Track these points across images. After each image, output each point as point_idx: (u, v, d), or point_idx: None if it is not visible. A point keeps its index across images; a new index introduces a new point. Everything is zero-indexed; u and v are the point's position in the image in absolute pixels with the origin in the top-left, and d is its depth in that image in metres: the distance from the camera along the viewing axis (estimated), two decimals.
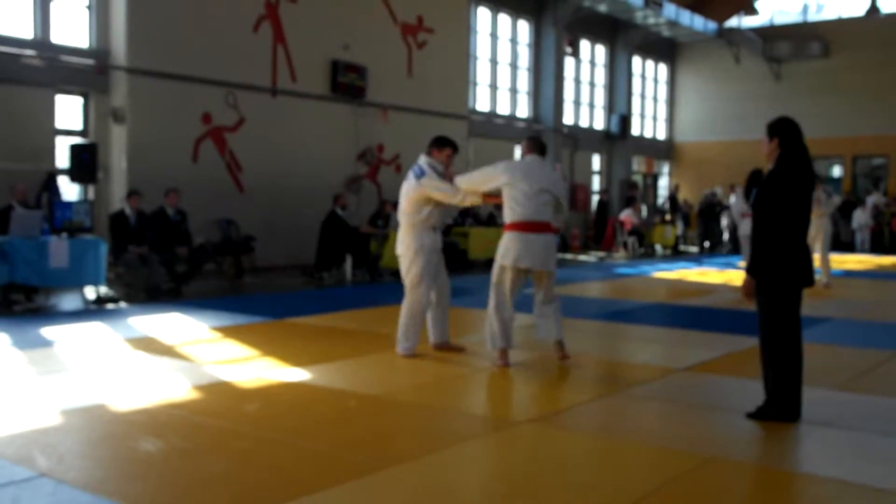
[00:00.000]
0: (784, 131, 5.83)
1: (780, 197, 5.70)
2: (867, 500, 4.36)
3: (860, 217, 26.14)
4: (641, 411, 6.28)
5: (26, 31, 14.08)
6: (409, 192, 7.94)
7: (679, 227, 25.64)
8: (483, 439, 5.33)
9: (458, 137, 21.41)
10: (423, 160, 8.03)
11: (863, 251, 25.26)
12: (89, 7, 14.79)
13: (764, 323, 5.84)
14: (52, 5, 14.33)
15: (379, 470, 4.62)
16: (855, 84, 28.40)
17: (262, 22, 16.69)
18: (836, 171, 29.97)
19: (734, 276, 16.52)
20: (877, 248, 25.45)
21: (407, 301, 7.89)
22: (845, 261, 21.78)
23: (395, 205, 16.17)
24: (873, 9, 27.22)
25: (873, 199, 26.61)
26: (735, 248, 24.81)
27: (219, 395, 6.32)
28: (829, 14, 29.89)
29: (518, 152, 24.75)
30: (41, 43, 14.17)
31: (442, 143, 8.12)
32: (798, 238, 5.77)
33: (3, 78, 13.48)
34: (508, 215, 7.46)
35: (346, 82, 18.20)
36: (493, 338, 7.57)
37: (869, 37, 28.27)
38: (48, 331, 8.98)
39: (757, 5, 29.03)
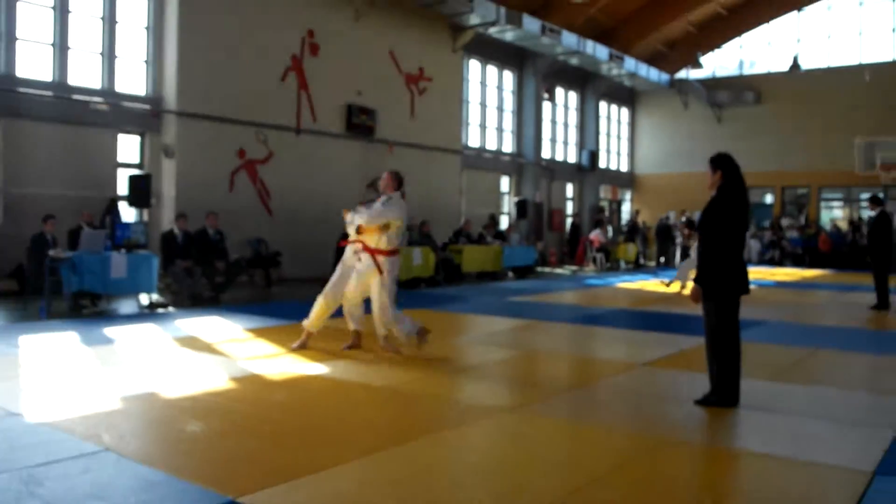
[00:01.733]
0: (725, 165, 5.89)
1: (721, 219, 5.76)
2: (793, 470, 4.38)
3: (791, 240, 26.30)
4: (607, 400, 6.30)
5: (95, 82, 14.14)
6: None
7: (638, 245, 25.68)
8: (471, 424, 5.33)
9: (453, 169, 21.57)
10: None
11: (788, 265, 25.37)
12: (147, 62, 14.84)
13: (709, 325, 5.88)
14: (116, 60, 14.41)
15: (385, 449, 4.63)
16: (782, 127, 28.56)
17: (289, 72, 16.74)
18: (769, 199, 30.07)
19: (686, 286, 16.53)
20: (799, 262, 25.60)
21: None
22: (775, 273, 21.83)
23: None
24: (795, 65, 27.39)
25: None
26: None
27: (252, 385, 6.33)
28: (760, 69, 30.05)
29: (505, 182, 24.83)
30: (107, 91, 14.22)
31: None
32: (736, 253, 5.82)
33: (77, 121, 13.55)
34: (392, 243, 7.80)
35: (359, 122, 18.24)
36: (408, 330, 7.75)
37: (792, 88, 28.43)
38: (110, 330, 8.98)
39: (702, 60, 29.10)
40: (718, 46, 30.47)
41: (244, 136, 15.83)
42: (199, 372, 6.76)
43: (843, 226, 27.06)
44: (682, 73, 30.34)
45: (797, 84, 28.22)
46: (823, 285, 18.03)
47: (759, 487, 4.19)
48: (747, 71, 30.34)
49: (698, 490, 4.19)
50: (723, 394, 5.80)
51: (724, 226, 5.75)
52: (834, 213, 29.72)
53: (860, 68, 27.04)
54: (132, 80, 14.73)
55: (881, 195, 13.32)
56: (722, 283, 5.78)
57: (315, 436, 4.90)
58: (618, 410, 5.98)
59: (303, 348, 7.99)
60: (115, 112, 14.15)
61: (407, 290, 14.73)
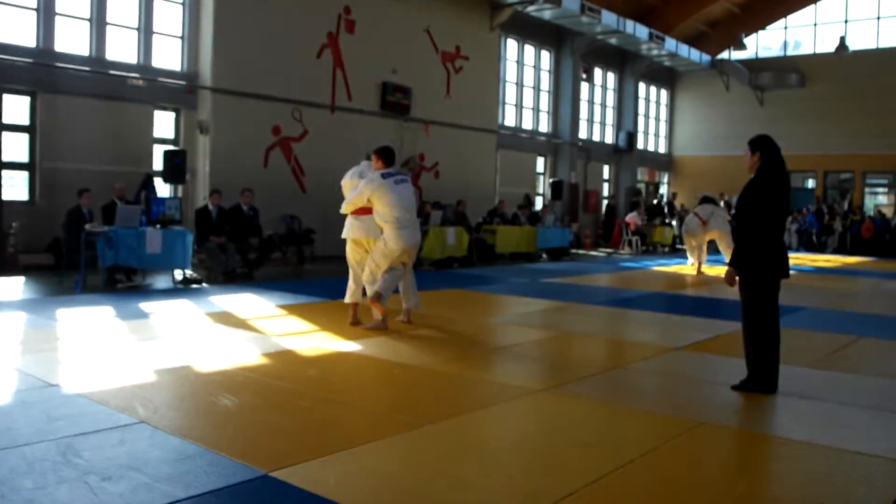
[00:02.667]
0: (764, 146, 5.78)
1: (760, 201, 5.67)
2: (831, 458, 4.32)
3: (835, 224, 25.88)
4: (641, 383, 6.26)
5: (131, 57, 14.27)
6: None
7: (675, 229, 25.45)
8: (505, 404, 5.33)
9: (488, 149, 21.50)
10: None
11: (832, 252, 24.97)
12: (182, 38, 14.94)
13: (746, 310, 5.81)
14: (153, 36, 14.53)
15: (418, 427, 4.65)
16: (826, 110, 28.04)
17: (325, 49, 16.75)
18: (810, 184, 29.59)
19: (721, 270, 16.36)
20: (842, 250, 25.18)
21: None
22: (816, 260, 21.52)
23: (434, 205, 16.27)
24: (842, 46, 26.86)
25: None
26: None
27: (284, 361, 6.38)
28: (805, 50, 29.49)
29: (540, 163, 24.71)
30: (143, 67, 14.34)
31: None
32: (776, 236, 5.73)
33: (113, 96, 13.70)
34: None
35: (394, 101, 18.22)
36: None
37: (838, 70, 27.89)
38: (144, 305, 9.11)
39: (745, 41, 28.66)
40: (763, 27, 29.95)
41: (279, 112, 15.89)
42: (232, 347, 6.83)
43: (889, 212, 26.55)
44: (724, 54, 29.87)
45: (843, 65, 27.67)
46: (865, 272, 17.72)
47: (795, 474, 4.14)
48: (791, 52, 29.79)
49: (733, 475, 4.15)
50: (761, 380, 5.73)
51: (763, 209, 5.65)
52: (878, 199, 29.17)
53: None
54: (168, 56, 14.84)
55: None
56: (760, 267, 5.69)
57: (347, 412, 4.94)
58: (652, 393, 5.94)
59: (356, 324, 8.14)
60: (150, 88, 14.27)
61: (440, 270, 14.74)
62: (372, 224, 7.97)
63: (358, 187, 7.88)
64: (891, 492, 3.83)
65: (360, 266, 8.22)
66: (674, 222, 25.36)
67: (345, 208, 8.08)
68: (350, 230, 8.19)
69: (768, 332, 5.72)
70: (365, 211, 7.99)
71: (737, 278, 5.81)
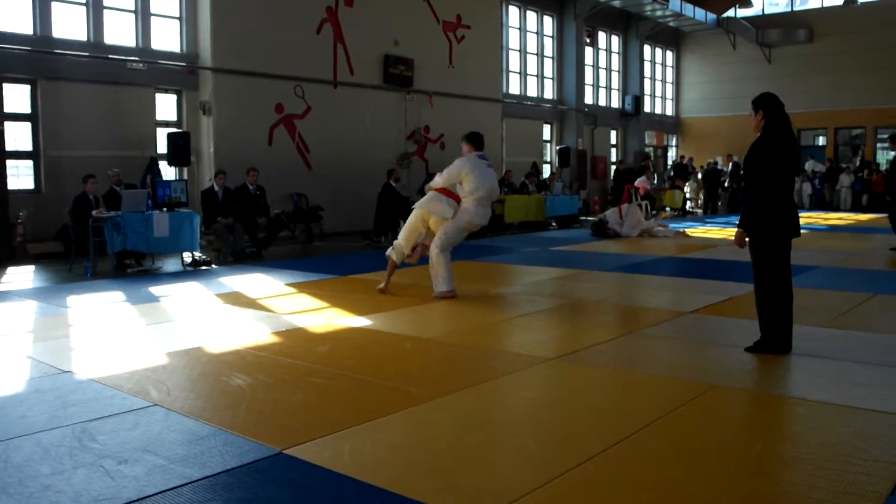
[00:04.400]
0: (767, 104, 5.73)
1: (766, 160, 5.62)
2: (847, 417, 4.32)
3: (844, 180, 25.71)
4: (654, 348, 6.26)
5: (130, 41, 14.22)
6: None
7: (688, 191, 25.39)
8: (518, 374, 5.34)
9: (493, 118, 21.39)
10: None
11: (844, 209, 24.84)
12: (180, 19, 14.86)
13: (757, 270, 5.78)
14: (151, 19, 14.47)
15: (431, 399, 4.67)
16: (836, 65, 27.72)
17: (324, 24, 16.64)
18: (821, 141, 29.34)
19: (734, 231, 16.30)
20: (856, 207, 25.04)
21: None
22: (829, 218, 21.40)
23: None
24: None
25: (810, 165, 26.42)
26: (731, 208, 24.54)
27: (295, 339, 6.41)
28: (813, 3, 29.12)
29: (546, 130, 24.59)
30: (142, 50, 14.30)
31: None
32: (784, 195, 5.67)
33: (113, 80, 13.67)
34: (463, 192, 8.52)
35: (396, 73, 18.12)
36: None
37: (847, 23, 27.55)
38: (154, 289, 9.15)
39: None
40: None
41: (281, 90, 15.83)
42: (243, 327, 6.86)
43: None
44: (730, 12, 29.53)
45: (852, 18, 27.33)
46: (878, 229, 17.62)
47: (812, 433, 4.14)
48: (799, 6, 29.42)
49: (750, 436, 4.15)
50: (774, 340, 5.72)
51: (769, 168, 5.60)
52: (890, 154, 28.89)
53: None
54: (167, 38, 14.78)
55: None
56: (770, 227, 5.66)
57: (360, 387, 4.96)
58: (665, 358, 5.94)
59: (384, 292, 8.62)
60: (151, 71, 14.23)
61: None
62: (446, 206, 8.52)
63: (452, 166, 8.54)
64: None
65: (415, 232, 8.64)
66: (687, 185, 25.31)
67: (440, 182, 8.65)
68: (429, 204, 8.61)
69: (780, 292, 5.70)
70: (449, 193, 8.59)
71: (747, 239, 5.78)
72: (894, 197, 12.70)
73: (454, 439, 4.04)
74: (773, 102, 5.73)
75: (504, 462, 3.78)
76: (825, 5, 28.59)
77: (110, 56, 13.67)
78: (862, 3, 26.95)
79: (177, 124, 14.90)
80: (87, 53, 13.39)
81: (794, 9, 29.43)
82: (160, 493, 3.33)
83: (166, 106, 14.88)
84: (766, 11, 29.80)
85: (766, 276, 5.72)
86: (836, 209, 25.17)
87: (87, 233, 10.48)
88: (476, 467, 3.67)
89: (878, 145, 28.67)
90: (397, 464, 3.72)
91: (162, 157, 14.05)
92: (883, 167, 26.64)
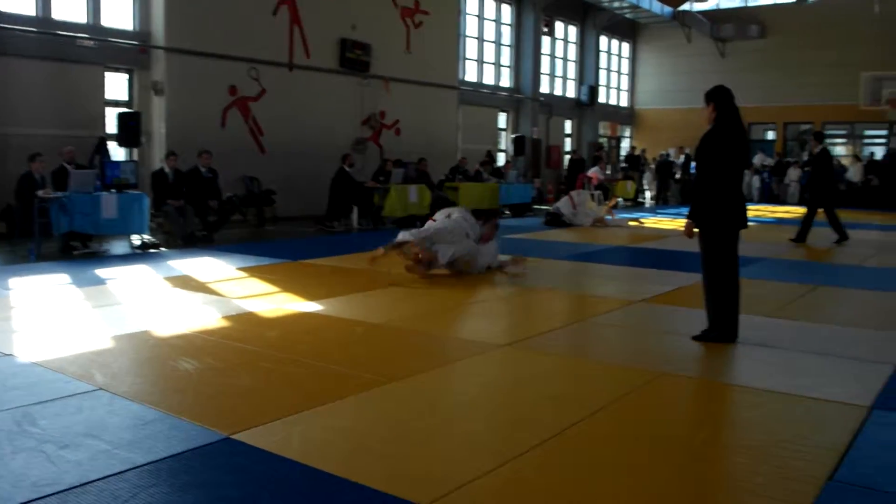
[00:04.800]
0: (718, 97, 5.82)
1: (715, 152, 5.71)
2: (790, 404, 4.41)
3: (792, 175, 26.18)
4: (605, 336, 6.33)
5: (80, 17, 13.87)
6: None
7: (643, 182, 25.68)
8: (469, 360, 5.36)
9: (449, 105, 21.36)
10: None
11: (791, 203, 25.35)
12: None
13: (706, 261, 5.87)
14: None
15: (382, 385, 4.66)
16: (787, 61, 28.19)
17: (281, 6, 16.40)
18: (770, 135, 29.87)
19: (682, 223, 16.53)
20: (802, 201, 25.55)
21: None
22: (776, 211, 21.82)
23: (395, 163, 16.17)
24: None
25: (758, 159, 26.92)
26: (683, 200, 24.89)
27: (245, 323, 6.34)
28: (766, 0, 29.59)
29: (502, 118, 24.62)
30: (93, 27, 13.95)
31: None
32: (732, 186, 5.77)
33: (62, 58, 13.32)
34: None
35: (353, 57, 17.96)
36: None
37: (799, 21, 28.01)
38: (101, 271, 8.97)
39: None
40: None
41: (235, 72, 15.59)
42: (193, 311, 6.76)
43: (847, 162, 26.92)
44: (686, 6, 29.84)
45: (804, 16, 27.81)
46: (822, 223, 17.99)
47: (756, 421, 4.22)
48: (752, 2, 29.84)
49: (696, 423, 4.23)
50: (721, 329, 5.83)
51: (719, 159, 5.69)
52: (836, 150, 29.55)
53: (870, 0, 26.58)
54: (119, 15, 14.44)
55: (820, 132, 13.69)
56: (719, 218, 5.75)
57: (310, 372, 4.92)
58: (615, 345, 6.01)
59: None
60: (101, 48, 13.90)
61: (398, 229, 14.69)
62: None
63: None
64: (845, 435, 3.93)
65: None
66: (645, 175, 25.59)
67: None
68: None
69: (728, 282, 5.80)
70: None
71: (696, 230, 5.86)
72: (816, 193, 13.11)
73: (404, 425, 4.04)
74: (724, 96, 5.81)
75: (454, 447, 3.78)
76: (778, 2, 29.06)
77: (59, 32, 13.30)
78: (813, 2, 27.44)
79: (127, 104, 14.59)
80: (35, 29, 13.02)
81: (748, 4, 29.86)
82: (103, 478, 3.28)
83: (117, 85, 14.55)
84: (721, 6, 30.18)
85: (715, 266, 5.81)
86: (784, 203, 25.65)
87: (31, 213, 10.21)
88: (426, 453, 3.67)
89: (826, 141, 29.25)
90: (347, 449, 3.70)
91: (111, 137, 13.76)
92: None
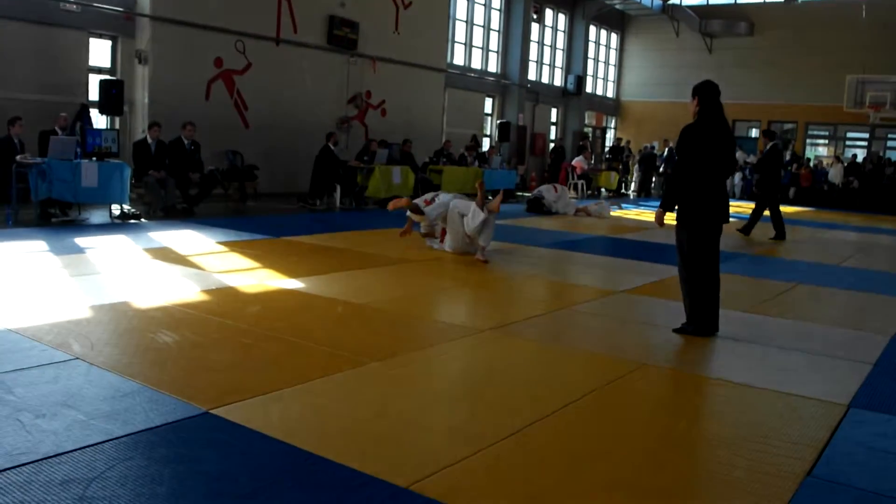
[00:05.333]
0: (703, 92, 5.88)
1: (694, 145, 5.75)
2: (769, 399, 4.44)
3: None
4: (585, 324, 6.34)
5: None
6: None
7: (622, 173, 25.72)
8: (449, 343, 5.35)
9: (436, 88, 21.27)
10: None
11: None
12: None
13: (683, 253, 5.89)
14: None
15: (362, 365, 4.64)
16: (773, 59, 28.30)
17: None
18: (754, 133, 30.01)
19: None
20: (783, 199, 25.70)
21: None
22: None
23: (380, 143, 16.08)
24: None
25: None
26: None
27: (225, 298, 6.29)
28: None
29: (488, 103, 24.55)
30: None
31: None
32: (713, 180, 5.79)
33: (45, 21, 13.08)
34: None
35: (341, 35, 17.81)
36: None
37: (787, 20, 28.13)
38: (80, 240, 8.86)
39: None
40: None
41: (221, 44, 15.41)
42: (172, 283, 6.70)
43: (828, 163, 27.13)
44: (676, 0, 29.88)
45: (792, 16, 27.92)
46: (804, 222, 18.17)
47: (734, 414, 4.25)
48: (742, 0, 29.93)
49: (675, 415, 4.24)
50: (699, 323, 5.86)
51: (698, 152, 5.73)
52: (819, 151, 29.77)
53: (857, 4, 26.70)
54: None
55: (771, 130, 14.28)
56: (700, 212, 5.77)
57: (290, 350, 4.89)
58: (596, 335, 6.02)
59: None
60: (85, 13, 13.67)
61: (385, 210, 14.65)
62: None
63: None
64: (822, 432, 3.96)
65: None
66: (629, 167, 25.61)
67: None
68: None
69: (708, 276, 5.83)
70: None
71: (675, 222, 5.90)
72: (765, 189, 13.63)
73: (384, 406, 4.03)
74: (709, 91, 5.85)
75: (434, 431, 3.77)
76: (767, 1, 29.14)
77: None
78: (802, 2, 27.54)
79: (110, 71, 14.38)
80: None
81: (738, 1, 29.92)
82: (79, 448, 3.23)
83: (100, 52, 14.33)
84: (711, 2, 30.22)
85: (694, 259, 5.83)
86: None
87: (9, 178, 10.06)
88: (406, 435, 3.66)
89: (808, 141, 29.48)
90: (325, 428, 3.68)
91: (93, 104, 13.57)
92: (812, 163, 27.43)
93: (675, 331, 5.93)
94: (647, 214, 17.59)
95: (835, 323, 6.77)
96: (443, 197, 9.61)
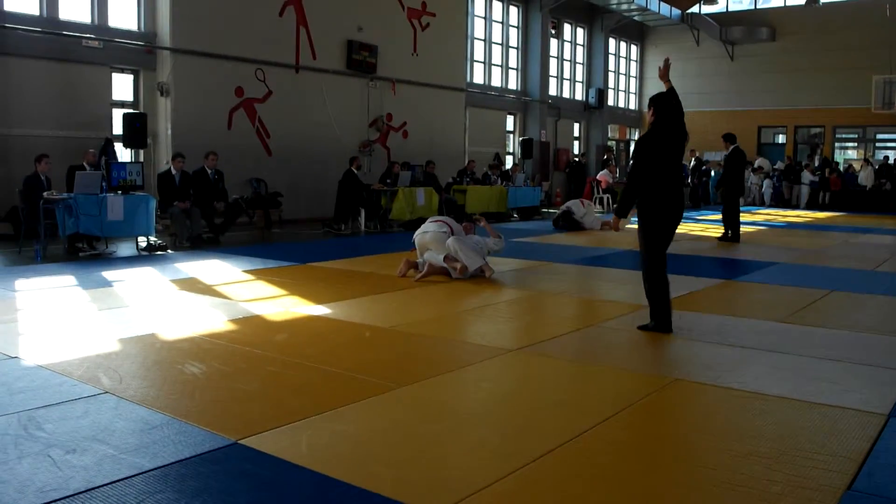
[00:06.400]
0: (656, 103, 6.34)
1: (648, 152, 6.19)
2: (805, 412, 4.36)
3: (806, 177, 26.03)
4: (615, 340, 6.28)
5: (86, 17, 13.91)
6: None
7: None
8: (478, 365, 5.32)
9: (457, 107, 21.37)
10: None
11: (804, 207, 25.26)
12: None
13: (643, 256, 6.29)
14: None
15: (390, 390, 4.63)
16: (796, 64, 28.15)
17: (287, 7, 16.45)
18: (781, 139, 29.78)
19: (692, 227, 16.48)
20: (813, 205, 25.44)
21: None
22: (787, 215, 21.74)
23: (403, 165, 16.16)
24: None
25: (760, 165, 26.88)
26: (693, 204, 24.82)
27: (252, 326, 6.32)
28: (776, 2, 29.52)
29: (510, 121, 24.62)
30: (98, 27, 13.99)
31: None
32: (665, 184, 6.15)
33: (68, 58, 13.36)
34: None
35: (360, 59, 17.99)
36: None
37: (809, 24, 27.97)
38: (108, 273, 8.97)
39: None
40: None
41: (242, 73, 15.62)
42: (199, 314, 6.75)
43: (858, 166, 26.84)
44: (695, 8, 29.81)
45: (814, 18, 27.75)
46: (836, 227, 17.94)
47: (770, 428, 4.18)
48: (762, 5, 29.81)
49: (708, 430, 4.18)
50: (658, 320, 6.26)
51: (649, 159, 6.14)
52: (848, 154, 29.45)
53: (881, 2, 26.48)
54: (125, 16, 14.48)
55: (731, 134, 14.18)
56: (653, 213, 6.16)
57: (318, 377, 4.90)
58: (625, 351, 5.96)
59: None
60: (107, 49, 13.93)
61: (410, 232, 14.69)
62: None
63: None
64: (862, 443, 3.88)
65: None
66: None
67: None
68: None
69: (659, 275, 6.22)
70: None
71: (627, 226, 6.20)
72: (728, 192, 13.83)
73: (413, 430, 4.01)
74: (663, 102, 6.32)
75: (463, 454, 3.75)
76: (788, 5, 29.00)
77: (65, 33, 13.35)
78: (824, 4, 27.38)
79: (133, 105, 14.63)
80: (40, 29, 13.07)
81: (758, 6, 29.80)
82: (110, 483, 3.25)
83: (123, 86, 14.59)
84: (731, 9, 30.14)
85: (646, 260, 6.26)
86: (796, 206, 25.55)
87: (37, 214, 10.24)
88: (435, 459, 3.64)
89: (836, 144, 29.19)
90: (355, 455, 3.67)
91: (117, 138, 13.79)
92: (841, 167, 27.14)
93: (640, 328, 6.35)
94: None
95: (872, 330, 6.65)
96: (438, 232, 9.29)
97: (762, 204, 26.30)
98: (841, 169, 26.75)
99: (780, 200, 26.40)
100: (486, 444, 3.88)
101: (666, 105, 6.29)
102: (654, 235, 6.18)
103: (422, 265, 9.11)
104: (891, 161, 25.86)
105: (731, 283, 9.10)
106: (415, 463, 3.58)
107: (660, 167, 6.13)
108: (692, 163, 26.12)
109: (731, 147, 13.81)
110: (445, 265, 8.92)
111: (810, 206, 25.35)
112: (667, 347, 5.99)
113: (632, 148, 31.38)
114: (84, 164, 11.41)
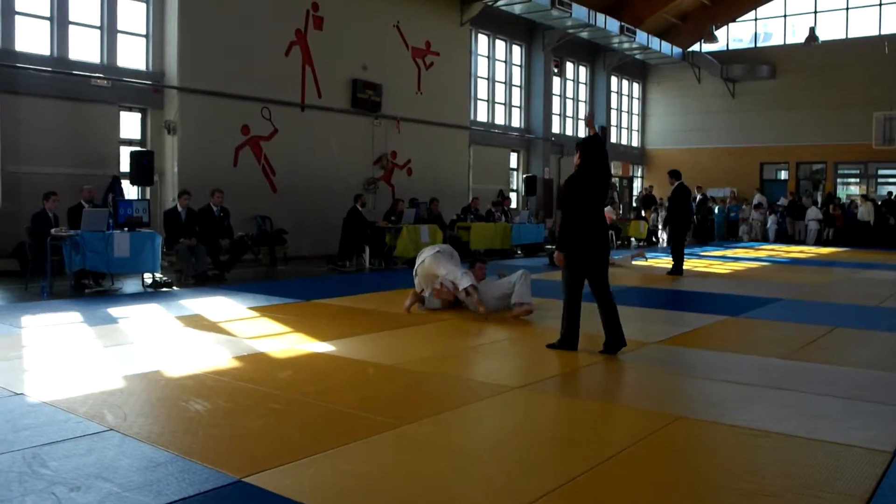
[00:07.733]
0: (583, 147, 6.84)
1: (574, 195, 6.71)
2: (810, 449, 4.34)
3: (811, 213, 26.06)
4: (620, 378, 6.27)
5: (95, 57, 14.09)
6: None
7: (651, 220, 25.68)
8: (482, 402, 5.31)
9: (460, 145, 21.51)
10: None
11: (810, 243, 25.28)
12: (147, 36, 14.77)
13: (564, 283, 6.87)
14: (117, 36, 14.36)
15: (394, 427, 4.62)
16: (797, 101, 28.34)
17: (293, 47, 16.65)
18: (783, 175, 29.88)
19: (696, 263, 16.48)
20: (817, 240, 25.45)
21: None
22: (790, 251, 21.73)
23: (410, 202, 16.24)
24: (812, 37, 27.20)
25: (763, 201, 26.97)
26: (696, 240, 24.84)
27: (256, 364, 6.32)
28: (776, 41, 29.82)
29: (513, 158, 24.75)
30: (107, 67, 14.17)
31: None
32: (586, 222, 6.68)
33: (77, 97, 13.51)
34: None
35: (365, 98, 18.16)
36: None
37: (809, 61, 28.20)
38: (113, 310, 8.99)
39: (716, 33, 28.89)
40: (733, 19, 30.20)
41: (248, 111, 15.77)
42: (204, 351, 6.75)
43: (858, 202, 26.89)
44: (696, 47, 30.11)
45: (814, 56, 27.99)
46: (839, 263, 17.92)
47: (774, 465, 4.15)
48: (762, 43, 30.09)
49: (713, 468, 4.16)
50: (565, 340, 6.90)
51: (575, 201, 6.67)
52: (850, 189, 29.52)
53: (879, 39, 26.75)
54: (133, 55, 14.68)
55: (676, 170, 14.57)
56: (574, 247, 6.70)
57: (322, 414, 4.89)
58: (630, 388, 5.95)
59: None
60: (115, 88, 14.10)
61: (409, 269, 14.71)
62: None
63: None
64: (868, 482, 3.86)
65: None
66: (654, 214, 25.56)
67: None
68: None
69: (574, 302, 6.84)
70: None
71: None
72: (674, 227, 14.27)
73: (417, 469, 4.00)
74: (589, 147, 6.82)
75: (468, 491, 3.73)
76: (788, 43, 29.27)
77: (74, 72, 13.53)
78: (823, 42, 27.63)
79: (141, 143, 14.76)
80: (49, 68, 13.24)
81: (758, 45, 30.09)
82: None
83: (130, 124, 14.74)
84: (731, 47, 30.42)
85: (565, 287, 6.84)
86: (801, 242, 25.56)
87: (44, 251, 10.29)
88: (439, 498, 3.62)
89: (839, 180, 29.28)
90: (359, 493, 3.66)
91: (124, 175, 13.89)
92: (843, 202, 27.20)
93: (549, 346, 6.96)
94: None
95: (877, 366, 6.63)
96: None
97: (765, 240, 26.33)
98: (842, 204, 26.80)
99: (784, 237, 26.42)
100: (491, 482, 3.86)
101: (591, 149, 6.80)
102: (573, 266, 6.77)
103: (428, 298, 9.12)
104: (894, 196, 25.89)
105: (735, 320, 9.08)
106: (419, 501, 3.56)
107: (583, 206, 6.67)
108: (697, 198, 26.20)
109: (676, 183, 14.13)
110: (453, 282, 8.99)
111: (815, 241, 25.37)
112: (671, 385, 5.97)
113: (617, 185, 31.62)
114: (81, 201, 11.45)
